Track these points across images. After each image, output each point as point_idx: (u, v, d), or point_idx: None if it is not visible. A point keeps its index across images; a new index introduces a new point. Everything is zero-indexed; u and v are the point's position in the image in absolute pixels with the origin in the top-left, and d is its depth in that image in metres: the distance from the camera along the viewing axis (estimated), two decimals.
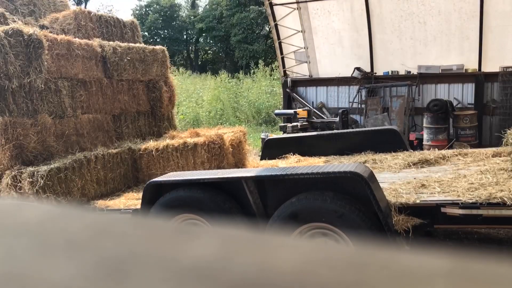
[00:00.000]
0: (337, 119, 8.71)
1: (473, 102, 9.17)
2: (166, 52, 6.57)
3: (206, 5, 31.64)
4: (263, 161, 5.77)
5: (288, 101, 11.23)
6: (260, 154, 6.34)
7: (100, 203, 4.30)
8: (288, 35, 10.83)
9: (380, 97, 10.10)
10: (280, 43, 11.11)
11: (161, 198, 3.54)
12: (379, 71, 10.16)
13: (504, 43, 8.71)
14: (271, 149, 5.98)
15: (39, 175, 4.05)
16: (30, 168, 4.14)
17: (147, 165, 5.18)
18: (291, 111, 9.69)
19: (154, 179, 3.81)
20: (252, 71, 18.90)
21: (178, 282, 0.32)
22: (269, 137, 7.02)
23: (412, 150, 5.27)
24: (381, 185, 3.22)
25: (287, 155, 5.57)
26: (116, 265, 0.34)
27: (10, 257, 0.36)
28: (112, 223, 0.43)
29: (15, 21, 4.60)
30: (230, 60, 28.87)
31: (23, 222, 0.43)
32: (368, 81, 10.10)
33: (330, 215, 2.95)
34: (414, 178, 3.88)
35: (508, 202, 2.93)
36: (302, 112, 9.06)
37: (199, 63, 32.56)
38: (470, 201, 3.04)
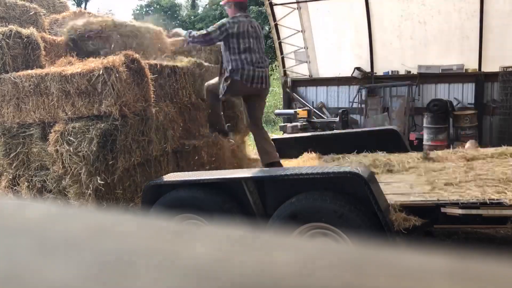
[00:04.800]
0: (337, 119, 8.72)
1: (473, 102, 9.17)
2: None
3: (206, 5, 31.66)
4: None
5: (288, 101, 11.23)
6: None
7: None
8: (288, 35, 10.83)
9: (380, 97, 10.10)
10: (280, 43, 11.11)
11: (161, 198, 3.54)
12: (379, 71, 10.16)
13: (504, 43, 8.71)
14: None
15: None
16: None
17: None
18: (291, 111, 9.68)
19: (154, 180, 3.81)
20: None
21: (178, 282, 0.32)
22: None
23: (412, 150, 5.27)
24: (381, 185, 3.22)
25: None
26: (116, 265, 0.34)
27: (10, 257, 0.36)
28: (112, 223, 0.43)
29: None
30: None
31: (23, 222, 0.43)
32: (368, 81, 10.10)
33: (330, 215, 2.96)
34: (415, 178, 3.88)
35: (508, 202, 2.93)
36: (302, 112, 9.05)
37: None
38: (470, 201, 3.04)
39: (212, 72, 5.68)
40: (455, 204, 3.05)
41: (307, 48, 10.81)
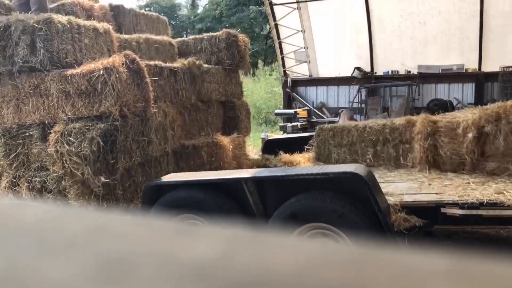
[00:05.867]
0: (337, 119, 8.72)
1: (473, 102, 9.17)
2: None
3: (206, 4, 31.65)
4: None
5: (288, 101, 11.24)
6: (260, 154, 6.34)
7: None
8: (288, 35, 10.84)
9: (380, 97, 10.10)
10: (280, 43, 11.11)
11: (161, 198, 3.54)
12: (379, 71, 10.16)
13: (504, 43, 8.72)
14: (271, 149, 5.98)
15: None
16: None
17: None
18: (291, 111, 9.69)
19: (154, 180, 3.81)
20: (252, 71, 18.90)
21: (178, 282, 0.32)
22: (269, 137, 7.03)
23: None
24: (381, 185, 3.22)
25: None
26: (116, 265, 0.34)
27: (10, 257, 0.36)
28: (112, 223, 0.43)
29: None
30: None
31: (23, 222, 0.43)
32: (368, 81, 10.10)
33: (330, 215, 2.95)
34: (415, 178, 3.88)
35: (507, 203, 2.93)
36: (302, 112, 9.06)
37: None
38: (470, 201, 3.04)
39: (212, 73, 5.67)
40: (455, 204, 3.05)
41: (307, 48, 10.82)
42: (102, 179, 3.65)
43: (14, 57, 3.93)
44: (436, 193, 3.36)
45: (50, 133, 3.84)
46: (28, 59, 3.87)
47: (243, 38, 6.28)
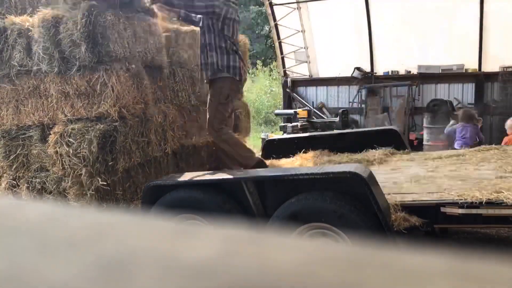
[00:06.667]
0: (337, 119, 8.71)
1: (473, 102, 9.18)
2: None
3: None
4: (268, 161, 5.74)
5: (288, 101, 11.23)
6: (260, 154, 6.34)
7: None
8: (288, 35, 10.84)
9: (380, 97, 10.10)
10: (280, 43, 11.11)
11: (161, 198, 3.54)
12: (379, 71, 10.16)
13: (504, 43, 8.72)
14: (271, 150, 5.98)
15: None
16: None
17: None
18: (291, 111, 9.68)
19: (154, 180, 3.81)
20: (251, 71, 18.92)
21: (178, 282, 0.32)
22: (269, 138, 7.03)
23: (412, 150, 5.27)
24: (381, 184, 3.22)
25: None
26: (116, 265, 0.34)
27: (10, 257, 0.36)
28: (112, 223, 0.43)
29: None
30: None
31: (23, 222, 0.43)
32: (368, 81, 10.10)
33: (330, 215, 2.96)
34: (415, 178, 3.88)
35: (508, 202, 2.93)
36: (302, 112, 9.05)
37: None
38: (470, 200, 3.04)
39: None
40: (455, 204, 3.05)
41: (307, 48, 10.82)
42: (99, 181, 3.65)
43: (11, 60, 3.95)
44: (436, 192, 3.36)
45: (50, 134, 3.84)
46: (24, 62, 3.89)
47: (243, 38, 6.28)
